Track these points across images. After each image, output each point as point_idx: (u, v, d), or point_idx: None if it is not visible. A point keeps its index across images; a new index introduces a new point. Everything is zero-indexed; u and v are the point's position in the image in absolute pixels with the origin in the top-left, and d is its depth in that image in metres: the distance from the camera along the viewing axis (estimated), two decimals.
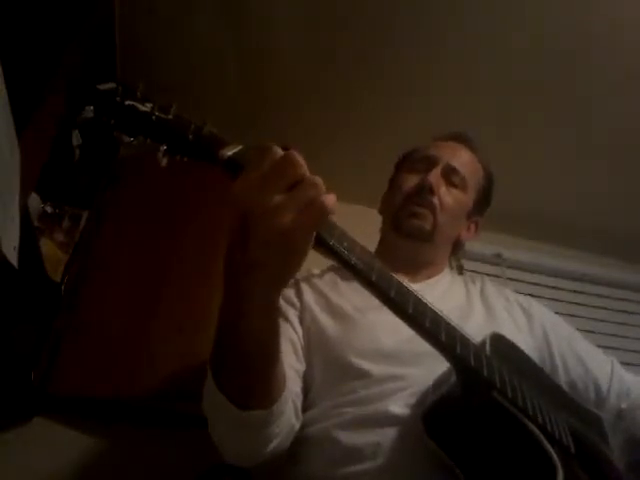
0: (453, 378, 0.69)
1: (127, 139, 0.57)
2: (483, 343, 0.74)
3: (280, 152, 0.50)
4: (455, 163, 1.05)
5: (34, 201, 1.13)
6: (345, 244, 0.58)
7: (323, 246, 0.56)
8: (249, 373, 0.61)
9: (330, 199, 0.49)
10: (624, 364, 1.02)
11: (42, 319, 1.14)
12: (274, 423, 0.67)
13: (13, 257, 0.74)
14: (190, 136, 0.57)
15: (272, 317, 0.58)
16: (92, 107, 0.56)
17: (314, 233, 0.51)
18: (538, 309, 1.03)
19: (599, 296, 2.01)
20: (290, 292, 0.98)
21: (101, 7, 1.25)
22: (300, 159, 0.50)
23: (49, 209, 1.24)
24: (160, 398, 1.15)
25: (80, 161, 1.27)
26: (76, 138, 1.24)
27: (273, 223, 0.47)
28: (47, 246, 1.19)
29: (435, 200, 1.01)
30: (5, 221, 0.72)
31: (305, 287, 0.99)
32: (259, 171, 0.49)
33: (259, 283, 0.52)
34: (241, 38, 1.45)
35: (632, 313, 2.02)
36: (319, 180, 0.49)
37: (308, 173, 0.50)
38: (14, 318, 0.99)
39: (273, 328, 0.60)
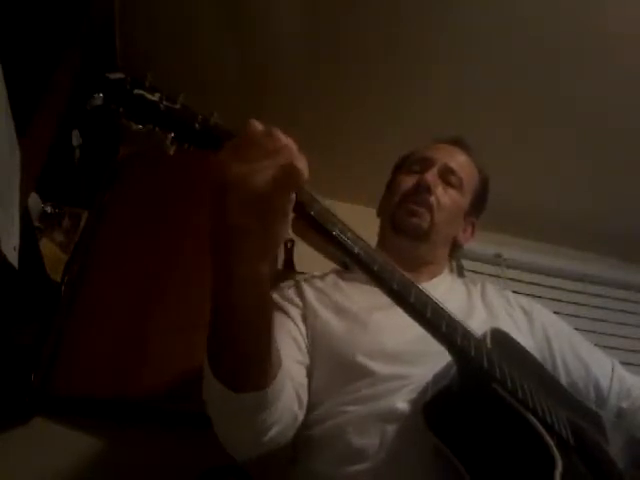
0: (453, 370, 0.70)
1: (135, 127, 0.58)
2: (484, 336, 0.75)
3: (257, 125, 0.52)
4: (452, 164, 1.07)
5: (34, 201, 1.13)
6: (349, 234, 0.59)
7: (327, 236, 0.57)
8: (240, 351, 0.61)
9: (302, 161, 0.50)
10: (624, 364, 1.03)
11: (42, 319, 1.14)
12: (270, 407, 0.67)
13: (13, 257, 0.74)
14: (197, 125, 0.58)
15: (261, 291, 0.58)
16: (101, 95, 0.57)
17: (292, 196, 0.52)
18: (539, 311, 1.04)
19: (599, 296, 2.01)
20: (291, 292, 0.98)
21: (101, 7, 1.25)
22: (279, 133, 0.52)
23: (49, 209, 1.24)
24: (160, 398, 1.15)
25: (80, 161, 1.28)
26: (76, 138, 1.24)
27: (248, 186, 0.49)
28: (47, 246, 1.19)
29: (432, 199, 1.02)
30: (5, 221, 0.72)
31: (306, 287, 0.99)
32: (237, 144, 0.52)
33: (242, 250, 0.54)
34: (241, 38, 1.46)
35: (632, 313, 2.01)
36: (292, 145, 0.51)
37: (285, 143, 0.52)
38: (14, 318, 0.99)
39: (263, 304, 0.60)
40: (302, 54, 1.48)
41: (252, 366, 0.63)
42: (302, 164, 0.50)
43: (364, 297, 0.93)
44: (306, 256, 1.25)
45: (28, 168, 0.84)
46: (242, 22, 1.42)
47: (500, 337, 0.79)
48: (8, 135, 0.74)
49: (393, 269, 0.63)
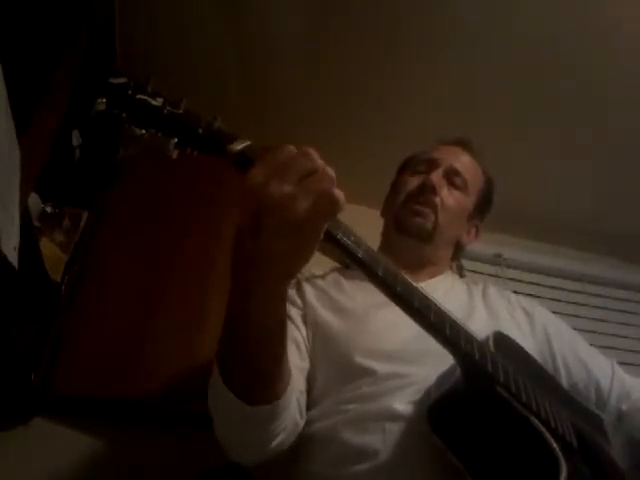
0: (457, 373, 0.70)
1: (138, 132, 0.58)
2: (486, 339, 0.75)
3: (294, 149, 0.51)
4: (457, 165, 1.07)
5: (34, 201, 1.12)
6: (352, 238, 0.59)
7: (330, 239, 0.57)
8: (256, 366, 0.61)
9: (340, 193, 0.49)
10: (624, 364, 1.03)
11: (42, 319, 1.14)
12: (279, 418, 0.68)
13: (13, 257, 0.74)
14: (200, 130, 0.58)
15: (280, 309, 0.59)
16: (104, 100, 0.56)
17: (325, 225, 0.51)
18: (540, 311, 1.04)
19: (599, 296, 2.01)
20: (292, 292, 0.98)
21: (101, 7, 1.25)
22: (315, 153, 0.51)
23: (49, 209, 1.23)
24: (160, 398, 1.15)
25: (80, 161, 1.28)
26: (76, 138, 1.24)
27: (287, 213, 0.48)
28: (47, 246, 1.19)
29: (437, 200, 1.02)
30: (5, 221, 0.72)
31: (307, 286, 1.00)
32: (273, 163, 0.50)
33: (269, 273, 0.53)
34: (241, 38, 1.45)
35: (632, 313, 2.01)
36: (332, 173, 0.50)
37: (323, 166, 0.50)
38: (14, 318, 0.99)
39: (281, 321, 0.60)
40: (302, 54, 1.48)
41: (267, 380, 0.64)
42: (340, 194, 0.49)
43: (365, 295, 0.93)
44: None
45: (28, 168, 0.84)
46: (242, 22, 1.42)
47: (502, 340, 0.79)
48: (8, 135, 0.74)
49: (396, 273, 0.63)
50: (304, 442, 0.82)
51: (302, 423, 0.80)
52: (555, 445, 0.63)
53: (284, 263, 0.52)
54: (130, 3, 1.37)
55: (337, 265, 1.11)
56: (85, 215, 1.32)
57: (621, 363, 1.02)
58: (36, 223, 1.15)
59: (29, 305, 1.06)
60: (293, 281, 1.02)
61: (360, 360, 0.84)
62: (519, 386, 0.69)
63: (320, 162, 0.50)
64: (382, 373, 0.82)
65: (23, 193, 0.82)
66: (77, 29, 1.10)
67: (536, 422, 0.65)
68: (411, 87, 1.55)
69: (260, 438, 0.69)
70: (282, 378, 0.65)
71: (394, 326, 0.86)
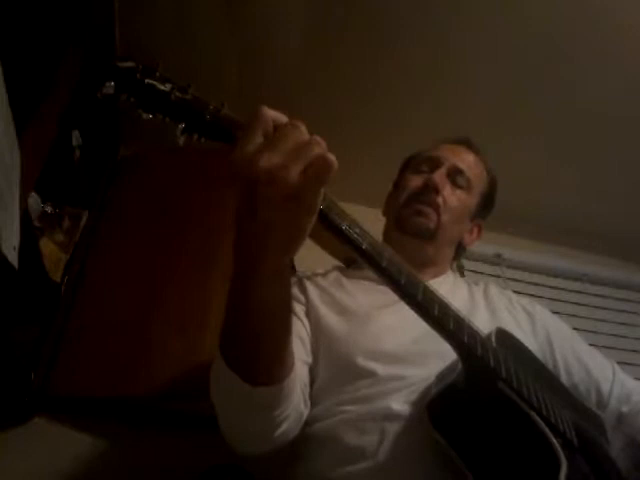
0: (458, 368, 0.70)
1: (146, 116, 0.58)
2: (489, 336, 0.75)
3: (270, 114, 0.51)
4: (460, 164, 1.06)
5: (34, 201, 1.12)
6: (357, 230, 0.59)
7: (335, 230, 0.57)
8: (260, 345, 0.61)
9: (332, 156, 0.49)
10: (624, 364, 1.03)
11: (42, 319, 1.14)
12: (282, 404, 0.67)
13: (13, 257, 0.74)
14: (208, 116, 0.57)
15: (283, 283, 0.58)
16: (112, 83, 0.56)
17: (322, 191, 0.50)
18: (541, 312, 1.04)
19: (599, 296, 2.01)
20: (294, 289, 0.98)
21: (101, 7, 1.25)
22: (299, 122, 0.51)
23: (49, 209, 1.23)
24: (160, 398, 1.15)
25: (80, 161, 1.28)
26: (76, 138, 1.24)
27: (279, 184, 0.47)
28: (47, 246, 1.19)
29: (439, 199, 1.02)
30: (5, 221, 0.72)
31: (309, 285, 0.99)
32: (257, 136, 0.50)
33: (270, 246, 0.52)
34: (242, 39, 1.45)
35: (632, 313, 2.01)
36: (321, 140, 0.50)
37: (309, 135, 0.50)
38: (14, 318, 0.99)
39: (284, 296, 0.60)
40: (302, 54, 1.48)
41: (272, 360, 0.63)
42: (332, 157, 0.48)
43: (367, 296, 0.93)
44: (305, 256, 1.25)
45: (28, 168, 0.84)
46: (242, 22, 1.42)
47: (504, 337, 0.79)
48: (8, 135, 0.74)
49: (401, 265, 0.63)
50: (304, 442, 0.82)
51: (306, 414, 0.79)
52: (555, 441, 0.63)
53: (284, 234, 0.51)
54: (130, 3, 1.37)
55: (338, 264, 1.10)
56: (85, 215, 1.32)
57: (621, 363, 1.02)
58: (36, 223, 1.15)
59: (29, 305, 1.06)
60: (294, 279, 1.02)
61: (361, 362, 0.84)
62: (521, 382, 0.69)
63: (305, 132, 0.50)
64: (382, 375, 0.82)
65: (23, 193, 0.82)
66: (77, 29, 1.10)
67: (537, 418, 0.65)
68: (413, 87, 1.54)
69: (264, 425, 0.68)
70: (285, 362, 0.65)
71: (395, 328, 0.86)
